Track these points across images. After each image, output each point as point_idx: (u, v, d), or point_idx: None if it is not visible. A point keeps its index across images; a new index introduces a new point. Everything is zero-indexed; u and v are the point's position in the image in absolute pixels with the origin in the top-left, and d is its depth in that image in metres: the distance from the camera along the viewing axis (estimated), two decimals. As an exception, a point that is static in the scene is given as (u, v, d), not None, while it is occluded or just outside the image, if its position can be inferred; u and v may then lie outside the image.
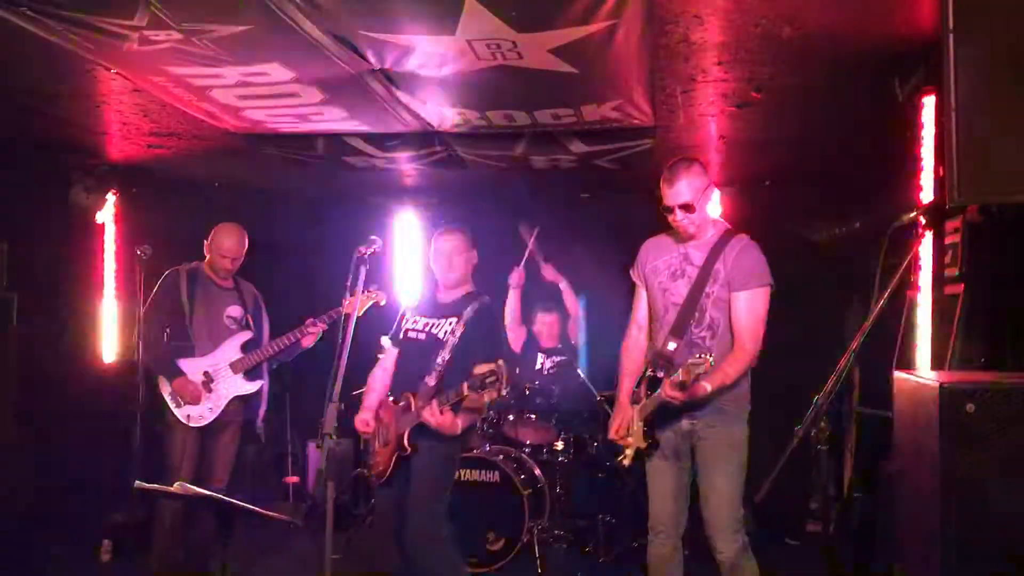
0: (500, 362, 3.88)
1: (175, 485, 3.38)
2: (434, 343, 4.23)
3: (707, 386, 3.42)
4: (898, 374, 2.83)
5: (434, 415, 4.01)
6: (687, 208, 3.67)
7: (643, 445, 3.69)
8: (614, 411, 3.92)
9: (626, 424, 3.79)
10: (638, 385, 3.80)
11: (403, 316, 4.55)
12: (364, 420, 4.43)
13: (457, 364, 4.12)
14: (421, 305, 4.52)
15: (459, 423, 4.11)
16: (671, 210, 3.71)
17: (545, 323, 6.54)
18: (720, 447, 3.66)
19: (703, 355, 3.30)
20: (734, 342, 3.63)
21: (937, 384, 2.30)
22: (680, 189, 3.66)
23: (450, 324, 4.23)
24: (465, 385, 3.92)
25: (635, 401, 3.77)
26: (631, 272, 4.03)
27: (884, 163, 4.78)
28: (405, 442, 4.16)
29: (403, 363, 4.43)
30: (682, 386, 3.36)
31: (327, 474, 3.25)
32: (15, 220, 5.57)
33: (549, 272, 6.75)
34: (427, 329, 4.33)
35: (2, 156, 5.58)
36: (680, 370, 3.36)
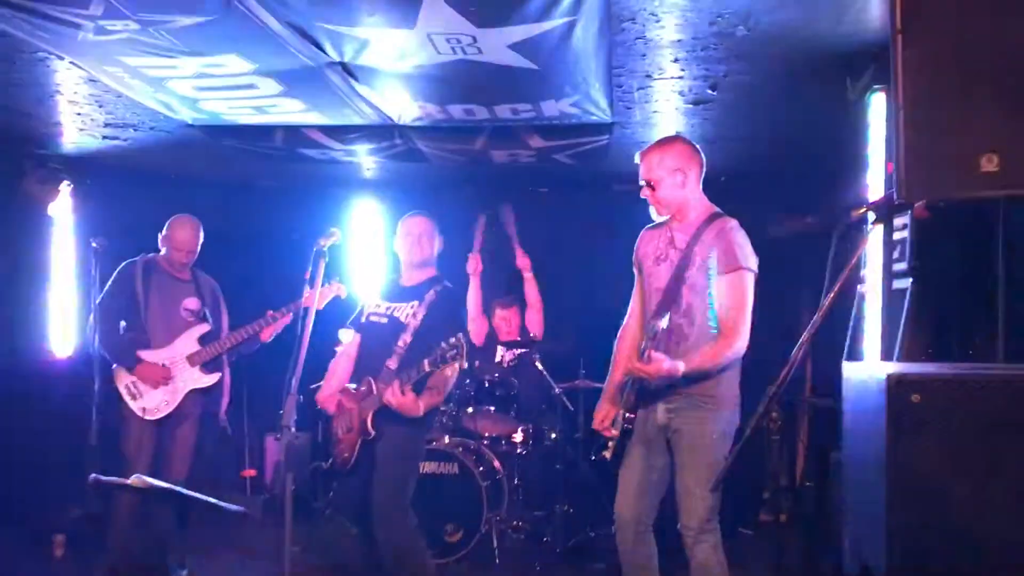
0: (460, 336, 3.88)
1: (132, 478, 3.37)
2: (396, 326, 4.25)
3: (679, 365, 3.35)
4: (847, 365, 2.90)
5: (395, 395, 3.99)
6: (650, 184, 3.59)
7: (616, 434, 3.60)
8: (600, 400, 3.82)
9: (610, 414, 3.69)
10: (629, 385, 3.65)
11: (365, 304, 4.55)
12: (327, 396, 4.43)
13: (418, 346, 4.12)
14: (384, 290, 4.54)
15: (421, 404, 4.08)
16: (641, 186, 3.64)
17: (504, 317, 6.58)
18: (692, 444, 3.53)
19: (660, 320, 3.27)
20: (719, 329, 3.51)
21: (884, 375, 2.37)
22: (647, 164, 3.60)
23: (412, 307, 4.25)
24: (426, 361, 3.92)
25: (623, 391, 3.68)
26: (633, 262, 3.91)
27: (835, 160, 4.88)
28: (369, 426, 4.15)
29: (365, 348, 4.43)
30: (642, 354, 3.30)
31: (286, 466, 3.24)
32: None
33: (522, 258, 6.75)
34: (389, 312, 4.34)
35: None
36: (644, 341, 3.30)
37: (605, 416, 3.72)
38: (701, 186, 3.67)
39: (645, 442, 3.65)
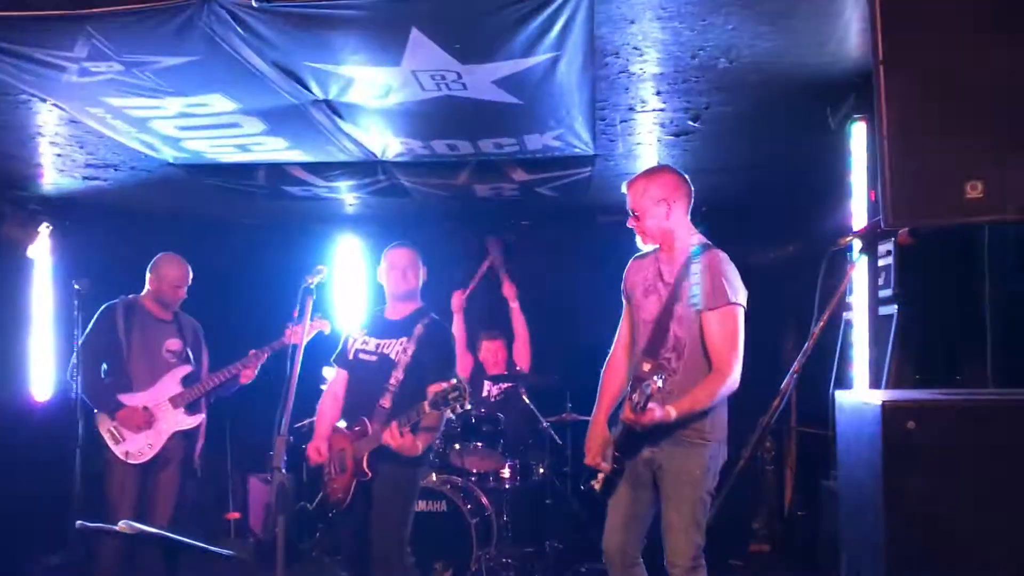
0: (462, 378, 3.87)
1: (120, 524, 3.31)
2: (386, 363, 4.20)
3: (671, 411, 3.30)
4: (839, 393, 2.90)
5: (395, 437, 3.94)
6: (635, 214, 3.57)
7: (608, 469, 3.55)
8: (588, 432, 3.73)
9: (601, 447, 3.61)
10: (620, 407, 3.62)
11: (350, 338, 4.46)
12: (316, 448, 4.32)
13: (410, 383, 4.10)
14: (370, 325, 4.45)
15: (419, 444, 4.06)
16: (626, 216, 3.62)
17: (490, 350, 6.55)
18: (677, 480, 3.48)
19: (656, 377, 3.18)
20: (710, 365, 3.45)
21: (879, 403, 2.37)
22: (632, 193, 3.59)
23: (401, 344, 4.20)
24: (426, 404, 3.88)
25: (615, 423, 3.64)
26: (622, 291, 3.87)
27: (817, 189, 4.93)
28: (364, 467, 4.09)
29: (355, 386, 4.35)
30: (634, 408, 3.25)
31: (278, 508, 3.19)
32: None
33: (509, 287, 6.74)
34: (378, 350, 4.27)
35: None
36: (635, 394, 3.25)
37: (594, 449, 3.65)
38: (688, 216, 3.65)
39: (632, 475, 3.60)
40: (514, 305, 6.70)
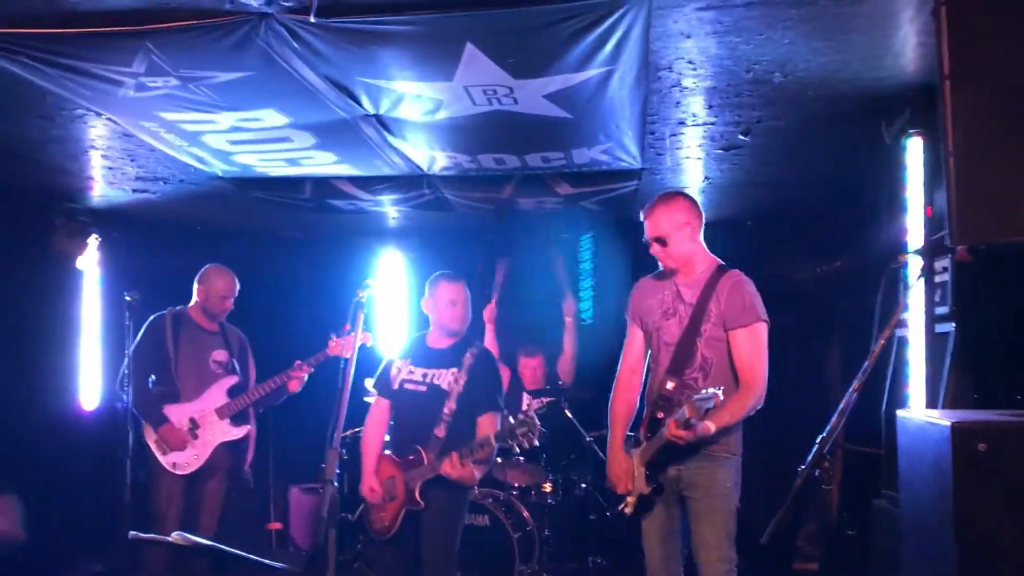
0: (531, 414, 3.87)
1: (173, 535, 3.32)
2: (437, 394, 4.17)
3: (711, 426, 3.31)
4: (901, 413, 2.86)
5: (456, 468, 3.95)
6: (660, 241, 3.60)
7: (646, 490, 3.56)
8: (608, 459, 3.77)
9: (626, 473, 3.64)
10: (636, 428, 3.70)
11: (392, 366, 4.41)
12: (370, 487, 4.26)
13: (462, 412, 4.11)
14: (413, 354, 4.39)
15: (477, 474, 4.09)
16: (648, 243, 3.65)
17: (529, 367, 6.53)
18: (706, 496, 3.52)
19: (710, 389, 3.19)
20: (738, 382, 3.50)
21: (949, 424, 2.33)
22: (654, 221, 3.61)
23: (452, 374, 4.18)
24: (492, 437, 3.89)
25: (634, 445, 3.66)
26: (627, 314, 3.91)
27: (868, 204, 4.87)
28: (417, 496, 4.08)
29: (404, 416, 4.32)
30: (687, 424, 3.25)
31: (329, 521, 3.19)
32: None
33: (569, 303, 6.69)
34: (428, 380, 4.24)
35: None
36: (686, 407, 3.24)
37: (619, 475, 3.67)
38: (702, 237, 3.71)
39: (661, 499, 3.62)
40: (569, 320, 6.65)
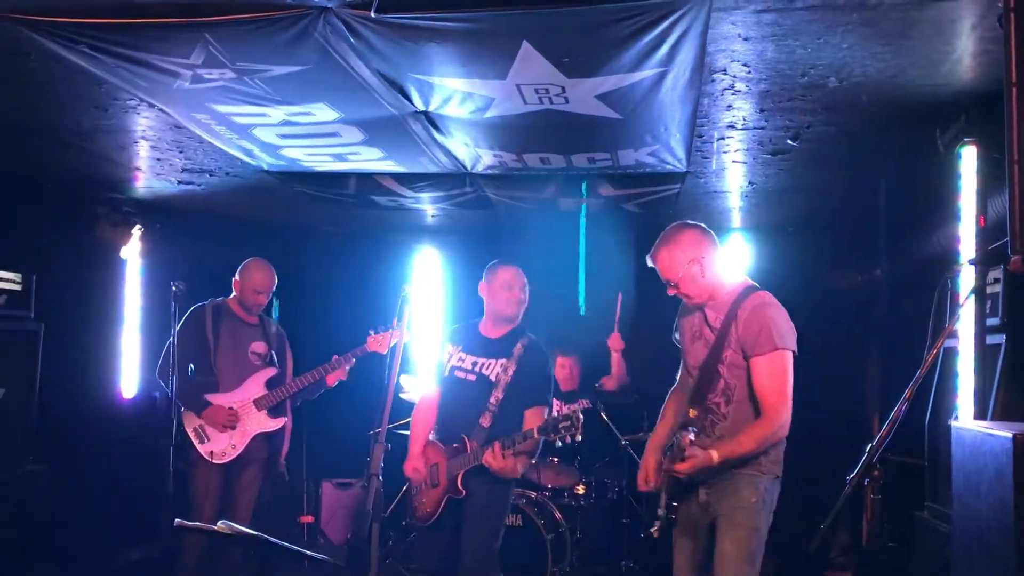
0: (576, 408, 3.86)
1: (219, 524, 3.34)
2: (485, 384, 4.18)
3: (714, 454, 3.29)
4: (956, 424, 2.81)
5: (496, 459, 3.94)
6: (673, 284, 3.54)
7: (661, 513, 3.49)
8: (644, 455, 3.69)
9: (653, 471, 3.58)
10: (670, 449, 3.57)
11: (444, 351, 4.42)
12: (414, 467, 4.28)
13: (509, 404, 4.09)
14: (465, 341, 4.39)
15: (519, 467, 4.07)
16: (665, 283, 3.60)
17: (564, 366, 6.51)
18: (730, 509, 3.43)
19: (690, 429, 3.29)
20: (760, 410, 3.40)
21: (1011, 435, 2.29)
22: (661, 267, 3.56)
23: (501, 365, 4.18)
24: (536, 430, 3.87)
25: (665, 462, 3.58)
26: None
27: (917, 212, 4.81)
28: (459, 485, 4.08)
29: (451, 403, 4.32)
30: (675, 458, 3.29)
31: (374, 516, 3.19)
32: (42, 253, 5.57)
33: (616, 341, 6.63)
34: (477, 369, 4.25)
35: (31, 190, 5.60)
36: (681, 437, 3.29)
37: (646, 474, 3.61)
38: (719, 262, 3.61)
39: (688, 523, 3.55)
40: (616, 355, 6.58)
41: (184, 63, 3.39)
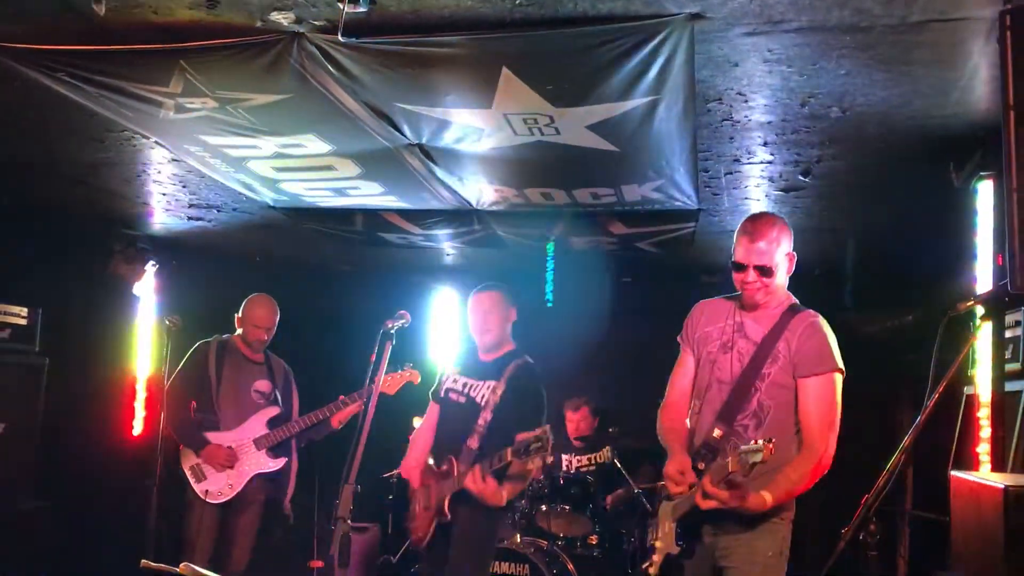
0: (547, 427, 3.69)
1: (180, 566, 3.20)
2: (472, 406, 4.10)
3: (767, 496, 2.90)
4: (955, 474, 2.59)
5: (476, 482, 3.83)
6: (765, 271, 3.11)
7: (674, 550, 3.16)
8: (671, 459, 3.20)
9: (681, 474, 3.11)
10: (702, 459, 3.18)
11: (444, 374, 4.44)
12: (409, 468, 4.30)
13: (499, 426, 3.98)
14: (462, 363, 4.39)
15: (503, 493, 3.92)
16: (744, 268, 3.14)
17: (573, 420, 6.34)
18: (745, 565, 3.07)
19: (761, 440, 2.71)
20: (802, 440, 3.06)
21: (1002, 487, 2.08)
22: (763, 247, 3.10)
23: (489, 386, 4.10)
24: (508, 451, 3.74)
25: (667, 496, 3.25)
26: (679, 336, 3.46)
27: (939, 252, 4.59)
28: (445, 508, 3.97)
29: (443, 424, 4.29)
30: (730, 483, 2.83)
31: (340, 560, 3.04)
32: (53, 287, 5.57)
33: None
34: (466, 391, 4.20)
35: (45, 224, 5.63)
36: (730, 458, 2.81)
37: (674, 474, 3.13)
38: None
39: (692, 565, 3.21)
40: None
41: (164, 91, 3.35)
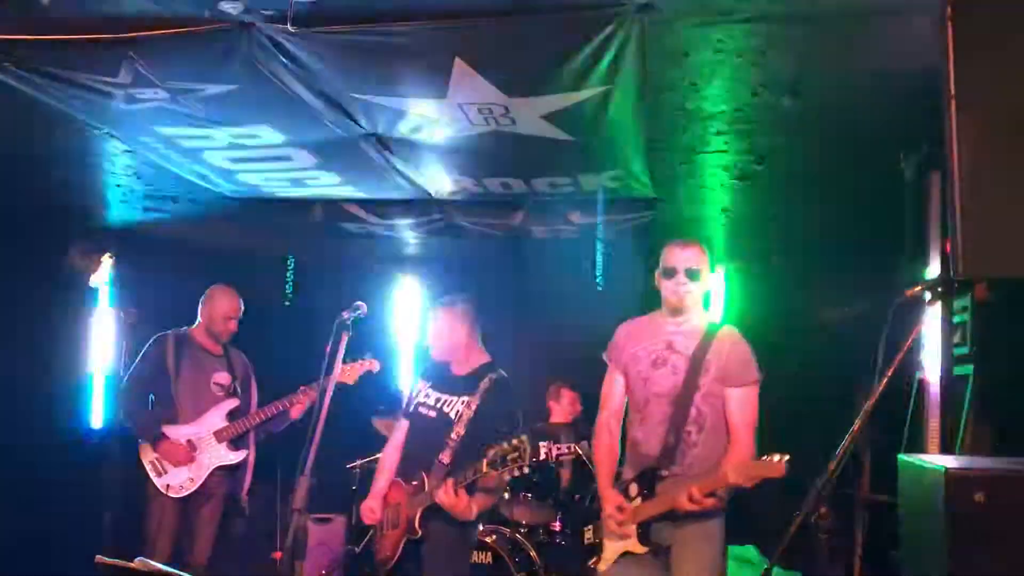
0: (524, 438, 3.65)
1: (136, 561, 3.18)
2: (445, 421, 3.99)
3: (721, 494, 3.22)
4: (903, 458, 2.64)
5: (448, 495, 3.73)
6: (694, 274, 3.40)
7: (640, 550, 3.33)
8: (605, 498, 3.48)
9: (625, 511, 3.37)
10: (619, 478, 3.49)
11: (414, 389, 4.25)
12: (370, 508, 4.08)
13: (471, 440, 3.88)
14: (434, 377, 4.21)
15: (474, 507, 3.83)
16: (674, 273, 3.41)
17: (556, 409, 6.36)
18: (694, 541, 3.36)
19: (777, 456, 3.00)
20: (730, 440, 3.37)
21: (944, 470, 2.12)
22: (694, 252, 3.41)
23: (463, 401, 3.98)
24: (484, 462, 3.68)
25: (627, 495, 3.43)
26: (607, 354, 3.69)
27: (891, 240, 4.65)
28: (416, 525, 3.89)
29: (413, 439, 4.13)
30: (712, 493, 3.15)
31: (293, 553, 3.02)
32: (7, 279, 5.48)
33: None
34: (439, 406, 4.06)
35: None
36: (728, 473, 3.08)
37: (620, 513, 3.38)
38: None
39: (639, 560, 3.39)
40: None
41: (113, 82, 3.32)
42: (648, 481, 3.38)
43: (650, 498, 3.36)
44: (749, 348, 3.45)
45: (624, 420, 3.65)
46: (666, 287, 3.46)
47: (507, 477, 3.78)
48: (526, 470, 3.67)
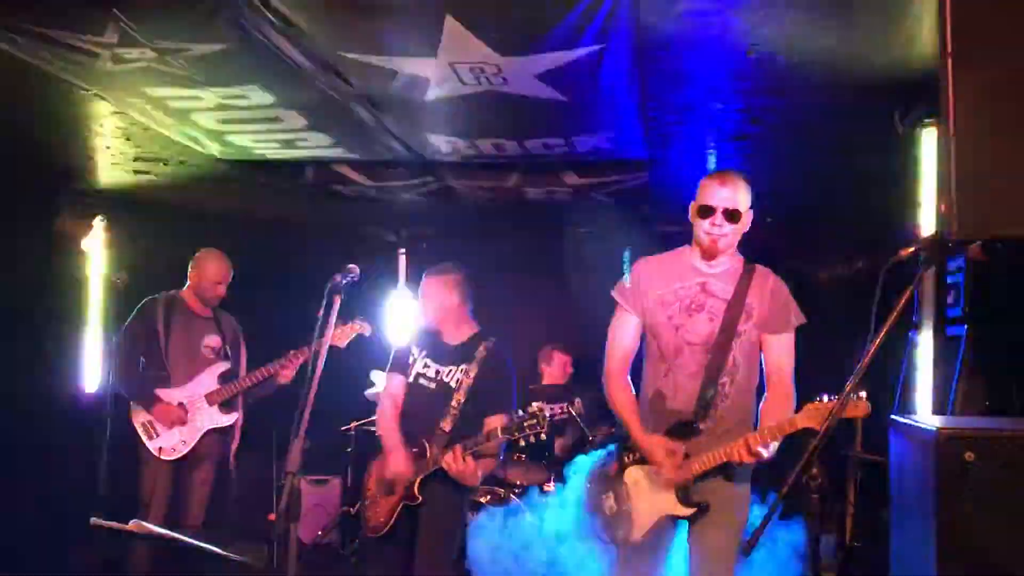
0: (540, 404, 3.74)
1: (131, 523, 3.20)
2: (445, 389, 4.06)
3: (773, 447, 3.07)
4: (895, 417, 2.65)
5: (457, 462, 3.78)
6: (733, 216, 3.16)
7: (685, 512, 3.17)
8: (651, 450, 3.21)
9: (673, 450, 3.15)
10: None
11: (410, 354, 4.25)
12: (398, 459, 4.01)
13: (471, 407, 3.97)
14: (429, 347, 4.23)
15: (479, 472, 3.90)
16: (712, 212, 3.18)
17: (547, 371, 6.40)
18: (720, 502, 3.20)
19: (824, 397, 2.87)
20: (769, 388, 3.19)
21: (935, 430, 2.13)
22: (733, 193, 3.17)
23: (462, 370, 4.05)
24: (499, 430, 3.73)
25: (638, 461, 3.31)
26: (619, 295, 3.39)
27: (887, 199, 4.63)
28: (415, 491, 3.94)
29: (413, 407, 4.16)
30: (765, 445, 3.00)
31: (287, 516, 3.02)
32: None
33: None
34: (438, 377, 4.12)
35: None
36: (774, 425, 2.98)
37: (670, 452, 3.17)
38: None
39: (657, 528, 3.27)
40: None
41: (100, 42, 3.25)
42: (682, 437, 3.19)
43: (689, 455, 3.16)
44: (788, 291, 3.27)
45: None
46: (700, 226, 3.23)
47: (522, 444, 3.78)
48: (543, 436, 3.69)
